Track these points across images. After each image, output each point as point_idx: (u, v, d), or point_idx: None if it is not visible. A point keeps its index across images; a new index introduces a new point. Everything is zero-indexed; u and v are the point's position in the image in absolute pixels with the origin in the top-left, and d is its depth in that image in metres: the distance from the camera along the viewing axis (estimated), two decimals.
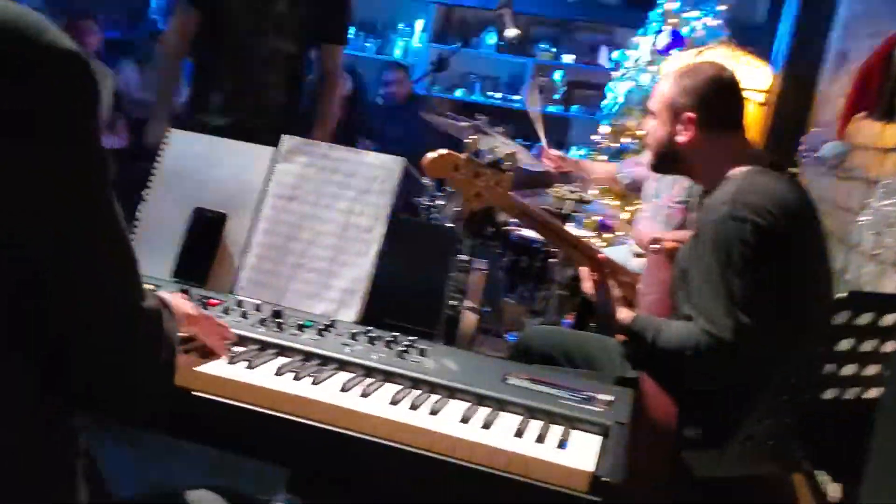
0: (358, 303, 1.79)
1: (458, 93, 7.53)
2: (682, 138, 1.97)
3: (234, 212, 1.91)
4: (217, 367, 1.42)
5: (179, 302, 1.38)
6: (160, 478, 1.77)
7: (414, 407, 1.38)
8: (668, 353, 1.79)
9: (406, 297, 1.81)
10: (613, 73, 5.76)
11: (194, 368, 1.39)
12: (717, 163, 1.94)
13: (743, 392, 1.59)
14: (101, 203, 0.94)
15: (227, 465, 1.43)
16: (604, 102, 5.69)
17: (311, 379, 1.42)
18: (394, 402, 1.38)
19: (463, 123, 3.87)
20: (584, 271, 2.04)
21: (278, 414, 1.35)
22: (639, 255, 3.76)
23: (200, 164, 1.96)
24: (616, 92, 5.66)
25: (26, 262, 0.89)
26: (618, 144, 5.48)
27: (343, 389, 1.40)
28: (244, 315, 1.66)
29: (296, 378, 1.42)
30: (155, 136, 2.75)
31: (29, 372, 0.94)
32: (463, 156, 1.82)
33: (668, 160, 2.04)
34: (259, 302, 1.74)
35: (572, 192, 3.82)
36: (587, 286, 2.02)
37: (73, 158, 0.90)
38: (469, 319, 4.23)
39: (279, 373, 1.43)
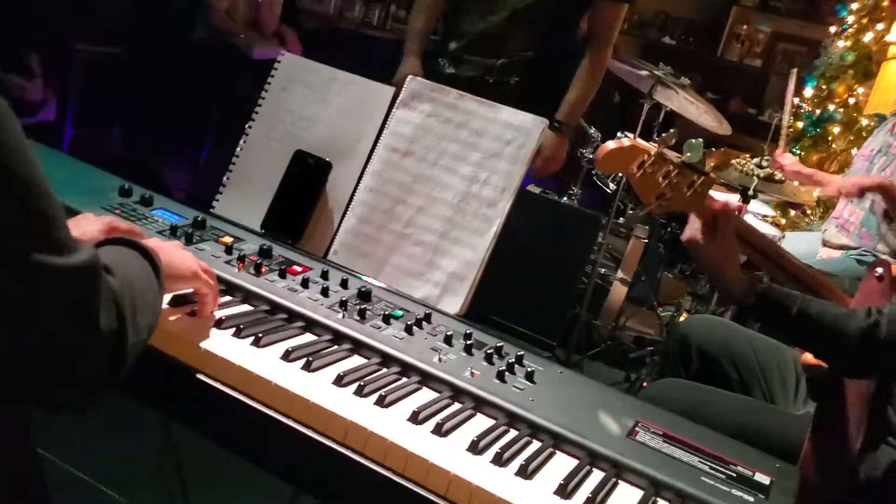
0: (465, 292, 1.46)
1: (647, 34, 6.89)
2: None
3: (342, 160, 1.61)
4: (261, 361, 1.13)
5: (177, 254, 1.12)
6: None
7: (500, 460, 1.04)
8: (814, 331, 1.40)
9: (525, 294, 1.46)
10: (830, 29, 5.05)
11: (222, 356, 1.12)
12: None
13: None
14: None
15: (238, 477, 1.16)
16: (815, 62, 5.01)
17: (375, 397, 1.11)
18: (474, 450, 1.05)
19: (642, 72, 3.37)
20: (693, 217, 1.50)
21: (322, 440, 1.06)
22: (827, 245, 3.22)
23: (312, 98, 1.66)
24: (829, 51, 4.97)
25: None
26: (819, 111, 4.83)
27: (414, 419, 1.08)
28: (325, 291, 1.36)
29: (358, 393, 1.11)
30: (401, 75, 2.43)
31: None
32: (652, 149, 1.38)
33: None
34: (347, 277, 1.43)
35: (760, 166, 3.28)
36: (692, 233, 1.48)
37: None
38: (618, 291, 3.84)
39: (339, 382, 1.13)
